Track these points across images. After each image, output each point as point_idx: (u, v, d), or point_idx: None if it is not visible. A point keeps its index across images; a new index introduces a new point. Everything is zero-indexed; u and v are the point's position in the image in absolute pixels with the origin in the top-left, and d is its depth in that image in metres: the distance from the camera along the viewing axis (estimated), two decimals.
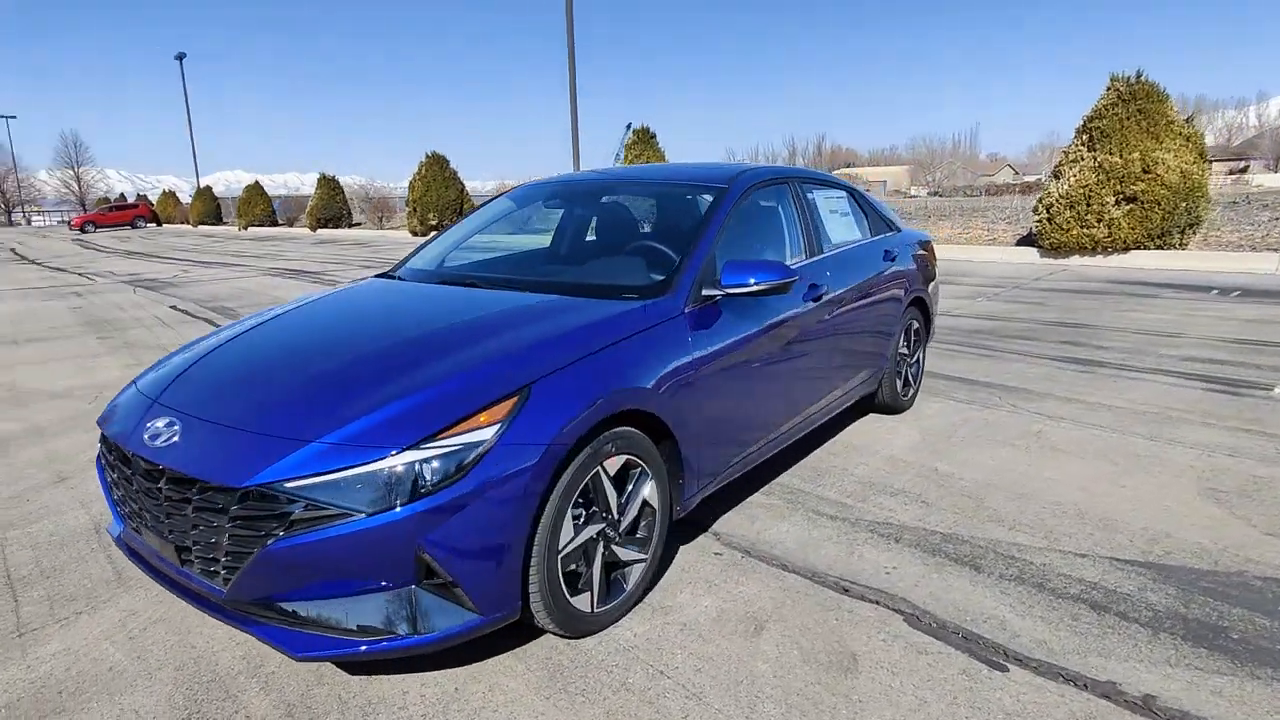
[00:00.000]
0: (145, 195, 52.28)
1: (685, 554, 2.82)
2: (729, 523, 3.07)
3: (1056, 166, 11.07)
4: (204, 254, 19.97)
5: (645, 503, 2.42)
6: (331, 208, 28.91)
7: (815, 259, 3.41)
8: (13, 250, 24.26)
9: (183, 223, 42.83)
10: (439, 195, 22.35)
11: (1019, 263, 11.66)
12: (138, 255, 20.26)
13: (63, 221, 52.66)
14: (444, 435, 1.90)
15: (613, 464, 2.25)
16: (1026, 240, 12.24)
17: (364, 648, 1.87)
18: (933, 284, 4.72)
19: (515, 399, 2.02)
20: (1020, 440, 3.91)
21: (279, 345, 2.52)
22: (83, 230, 40.34)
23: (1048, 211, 10.78)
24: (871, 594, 2.51)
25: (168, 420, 2.11)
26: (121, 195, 55.86)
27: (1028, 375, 5.16)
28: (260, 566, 1.83)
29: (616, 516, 2.30)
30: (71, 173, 65.92)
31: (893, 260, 4.11)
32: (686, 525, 3.02)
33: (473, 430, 1.93)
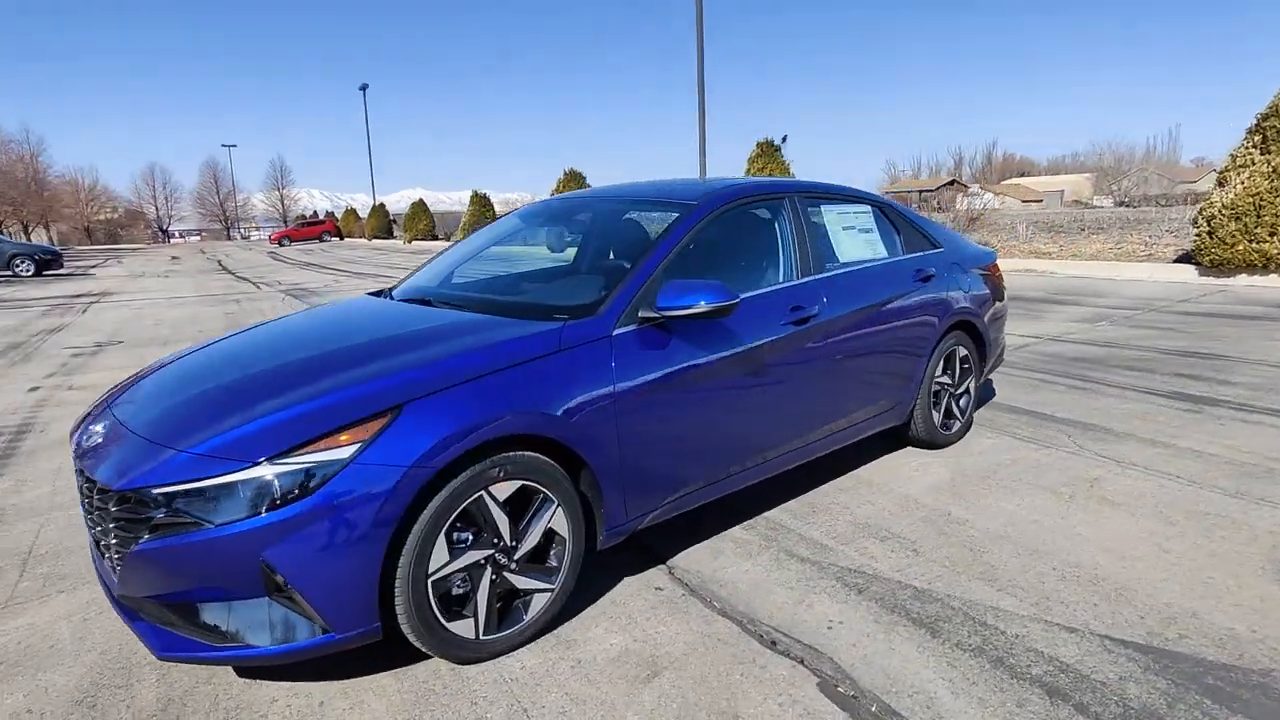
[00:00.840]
0: (332, 212, 58.26)
1: (626, 585, 2.70)
2: (691, 556, 2.91)
3: (1221, 173, 9.62)
4: (363, 265, 21.87)
5: (552, 531, 2.35)
6: (483, 222, 30.70)
7: (807, 279, 3.17)
8: (219, 262, 27.73)
9: (360, 237, 47.15)
10: None
11: (1169, 281, 10.24)
12: (311, 266, 22.52)
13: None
14: (300, 451, 1.93)
15: (503, 489, 2.20)
16: (1186, 257, 10.74)
17: (218, 654, 1.94)
18: (994, 306, 4.25)
19: (384, 419, 2.02)
20: (1067, 487, 3.42)
21: (221, 358, 2.69)
22: (279, 244, 45.59)
23: (1208, 224, 9.39)
24: (798, 650, 2.28)
25: (103, 425, 2.31)
26: (314, 213, 62.49)
27: (1116, 412, 4.51)
28: (131, 565, 1.95)
29: (510, 543, 2.24)
30: (278, 193, 74.72)
31: (927, 280, 3.75)
32: (641, 554, 2.91)
33: (331, 448, 1.95)
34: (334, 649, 1.99)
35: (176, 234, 72.94)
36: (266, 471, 1.90)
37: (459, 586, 2.18)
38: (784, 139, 17.65)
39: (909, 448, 4.03)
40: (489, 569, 2.21)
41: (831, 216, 3.51)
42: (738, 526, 3.15)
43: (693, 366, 2.66)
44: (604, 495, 2.45)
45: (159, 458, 1.98)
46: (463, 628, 2.17)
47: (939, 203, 24.59)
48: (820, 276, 3.23)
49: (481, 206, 31.05)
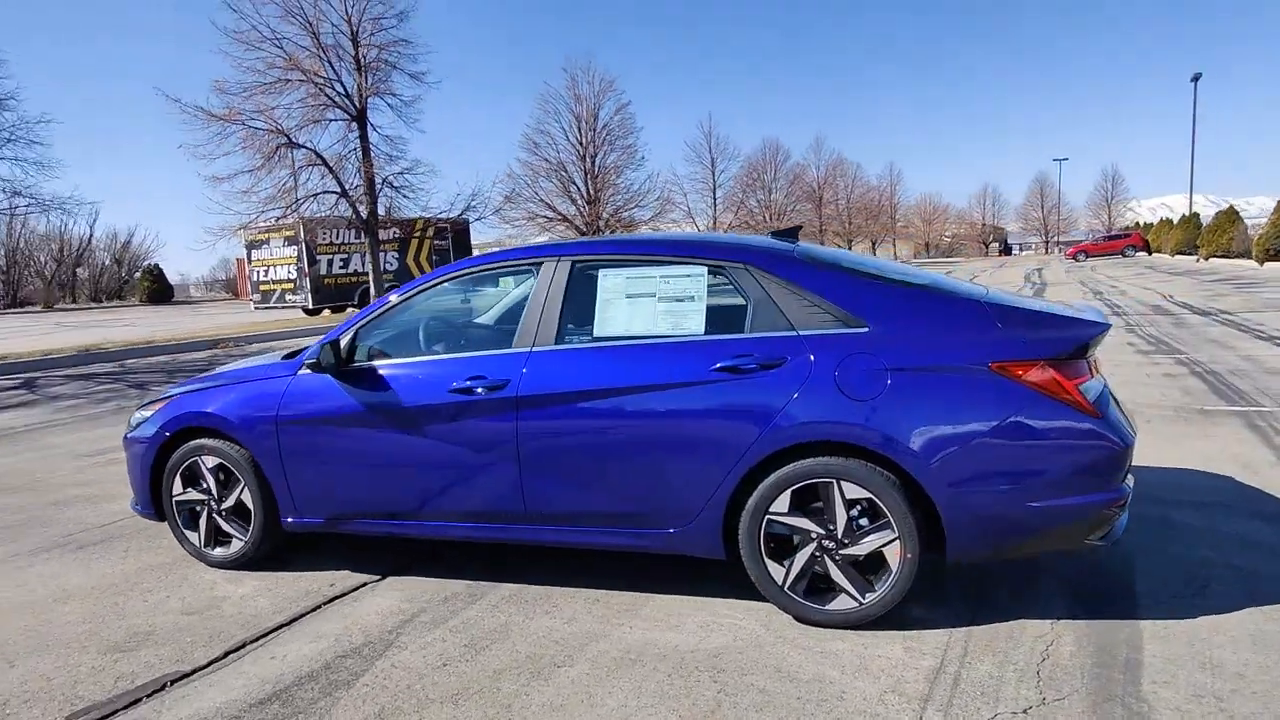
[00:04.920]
0: (1139, 225, 52.33)
1: (332, 574, 3.39)
2: (407, 581, 3.29)
3: None
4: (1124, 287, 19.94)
5: (244, 503, 3.39)
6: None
7: (511, 350, 2.94)
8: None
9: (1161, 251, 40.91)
10: None
11: None
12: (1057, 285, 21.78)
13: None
14: (146, 408, 3.67)
15: (209, 460, 3.40)
16: None
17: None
18: (992, 438, 2.43)
19: (166, 401, 3.57)
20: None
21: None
22: (1075, 259, 44.11)
23: None
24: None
25: None
26: (1137, 224, 56.90)
27: None
28: None
29: (217, 496, 3.43)
30: (1106, 206, 70.72)
31: (754, 372, 2.62)
32: (405, 567, 3.47)
33: (150, 410, 3.62)
34: (142, 517, 3.68)
35: (1015, 248, 77.25)
36: (137, 414, 3.71)
37: (195, 509, 3.50)
38: None
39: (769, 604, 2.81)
40: (207, 509, 3.47)
41: (612, 282, 2.92)
42: (467, 581, 3.24)
43: (344, 413, 3.14)
44: (274, 490, 3.31)
45: None
46: (195, 539, 3.51)
47: None
48: (540, 350, 2.91)
49: None
